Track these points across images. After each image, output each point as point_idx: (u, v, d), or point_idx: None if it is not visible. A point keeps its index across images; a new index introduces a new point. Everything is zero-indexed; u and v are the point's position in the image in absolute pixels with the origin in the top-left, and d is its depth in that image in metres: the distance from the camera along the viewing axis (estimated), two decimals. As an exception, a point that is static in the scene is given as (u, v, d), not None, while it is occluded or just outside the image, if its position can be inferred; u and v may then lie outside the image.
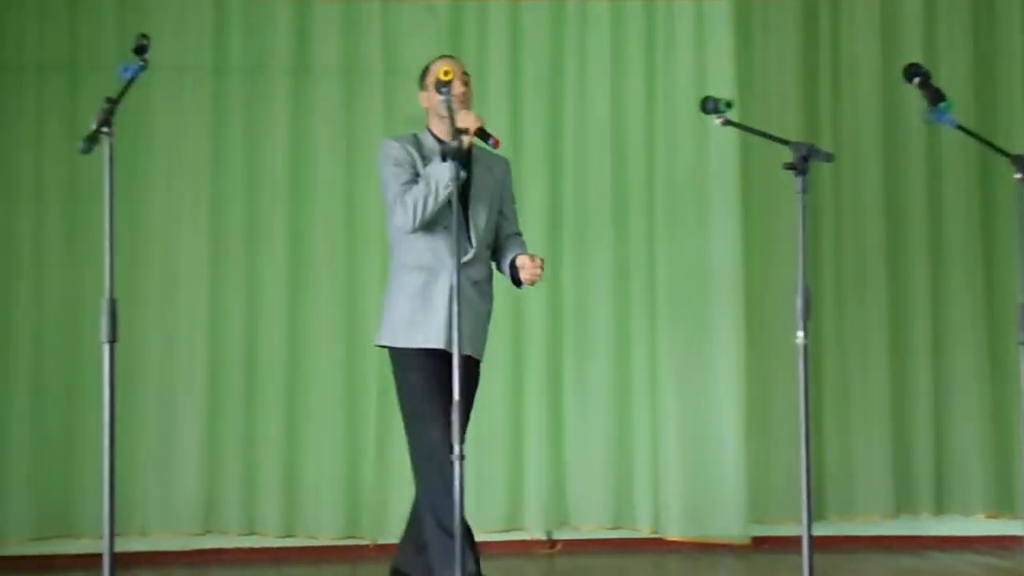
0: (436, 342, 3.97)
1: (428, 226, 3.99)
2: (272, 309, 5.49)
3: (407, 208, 3.93)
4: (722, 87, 5.46)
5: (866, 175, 5.82)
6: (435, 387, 3.93)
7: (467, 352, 3.98)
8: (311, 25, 5.60)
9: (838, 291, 5.80)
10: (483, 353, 4.16)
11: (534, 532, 5.59)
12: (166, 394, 5.42)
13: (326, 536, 5.44)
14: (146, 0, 5.48)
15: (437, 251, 4.03)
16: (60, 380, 5.34)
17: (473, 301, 4.06)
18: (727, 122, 3.91)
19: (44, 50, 5.45)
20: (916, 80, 3.85)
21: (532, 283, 4.09)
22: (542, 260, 4.04)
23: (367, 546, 5.46)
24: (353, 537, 5.47)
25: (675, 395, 5.60)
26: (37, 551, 5.31)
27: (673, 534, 5.59)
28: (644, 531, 5.63)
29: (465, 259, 4.01)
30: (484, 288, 4.15)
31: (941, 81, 3.95)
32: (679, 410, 5.60)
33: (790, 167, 3.58)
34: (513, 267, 4.11)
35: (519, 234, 4.28)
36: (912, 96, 4.27)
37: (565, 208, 5.69)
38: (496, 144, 3.95)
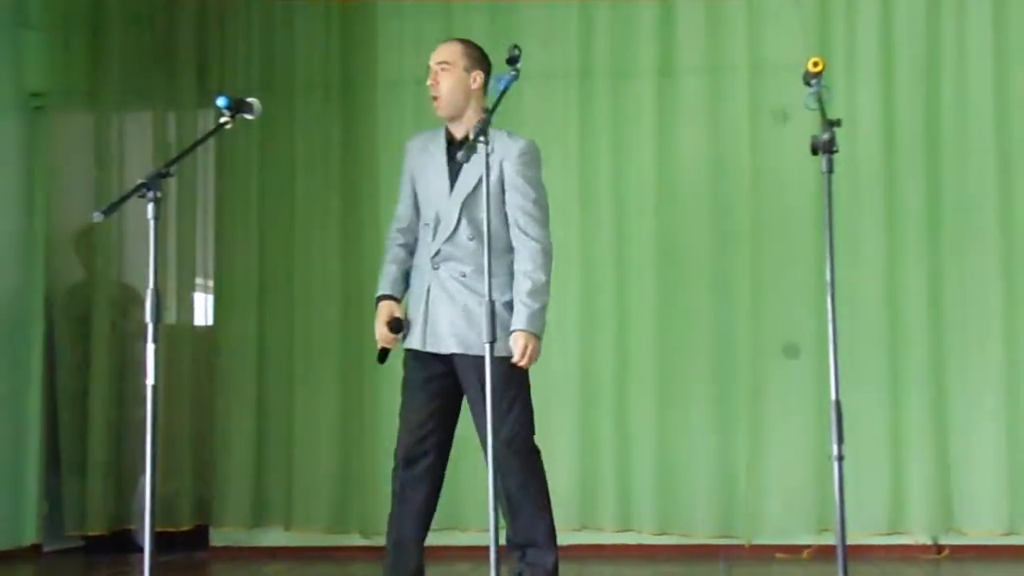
0: (412, 342, 3.96)
1: (420, 223, 4.01)
2: (641, 306, 5.55)
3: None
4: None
5: None
6: (411, 389, 3.97)
7: (454, 349, 3.90)
8: (674, 24, 5.61)
9: None
10: (499, 348, 3.66)
11: (919, 537, 5.36)
12: (541, 391, 5.36)
13: (700, 535, 5.44)
14: (516, 11, 5.66)
15: (424, 247, 3.99)
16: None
17: (457, 295, 3.90)
18: None
19: (422, 64, 5.70)
20: None
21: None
22: (521, 349, 3.81)
23: (742, 546, 5.42)
24: (727, 536, 5.46)
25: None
26: (427, 542, 5.58)
27: (1073, 541, 5.22)
28: (1041, 538, 5.29)
29: (443, 251, 3.91)
30: (473, 281, 3.87)
31: None
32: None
33: None
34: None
35: (525, 238, 3.91)
36: None
37: (944, 199, 5.41)
38: None
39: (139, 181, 3.25)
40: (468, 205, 3.91)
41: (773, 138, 5.40)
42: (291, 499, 5.67)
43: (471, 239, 3.91)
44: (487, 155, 3.50)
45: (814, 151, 3.50)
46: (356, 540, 5.63)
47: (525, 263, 3.89)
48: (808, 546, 5.31)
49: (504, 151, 3.91)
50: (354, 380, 5.67)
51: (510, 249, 3.92)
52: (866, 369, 5.23)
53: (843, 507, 3.34)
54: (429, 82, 3.99)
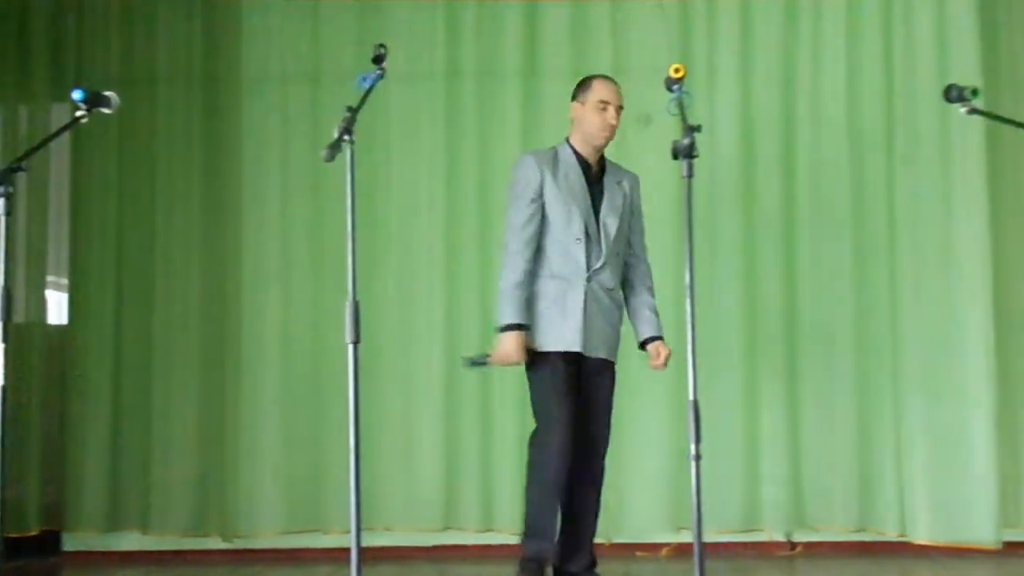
0: (573, 345, 4.19)
1: (562, 235, 4.23)
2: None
3: (505, 268, 4.23)
4: (966, 74, 5.23)
5: None
6: (564, 389, 4.18)
7: (603, 355, 4.28)
8: (540, 29, 5.65)
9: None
10: (616, 356, 4.35)
11: (773, 534, 5.49)
12: (406, 393, 5.57)
13: (563, 534, 5.47)
14: (383, 11, 5.64)
15: (572, 261, 4.23)
16: (307, 380, 5.55)
17: (606, 307, 4.28)
18: (973, 110, 3.76)
19: (287, 61, 5.70)
20: None
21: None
22: (668, 355, 4.30)
23: (602, 544, 5.47)
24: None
25: (920, 394, 5.41)
26: (287, 544, 5.54)
27: (921, 538, 5.39)
28: (890, 535, 5.45)
29: (596, 266, 4.24)
30: (615, 295, 4.35)
31: None
32: (924, 409, 5.41)
33: (1042, 155, 3.42)
34: (647, 347, 4.37)
35: (644, 258, 4.49)
36: None
37: (800, 202, 5.57)
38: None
39: (-13, 177, 3.15)
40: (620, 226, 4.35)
41: (635, 142, 5.46)
42: (148, 502, 5.55)
43: (618, 255, 4.35)
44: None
45: (675, 155, 3.55)
46: (215, 543, 5.54)
47: (649, 279, 4.46)
48: (667, 544, 5.41)
49: (632, 180, 4.44)
50: (215, 380, 5.57)
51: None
52: (723, 369, 5.33)
53: (700, 506, 3.41)
54: (614, 120, 4.32)
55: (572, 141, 4.40)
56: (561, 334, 4.21)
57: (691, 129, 3.56)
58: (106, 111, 3.57)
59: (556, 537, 4.31)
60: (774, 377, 5.49)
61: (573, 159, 4.35)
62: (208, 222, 5.65)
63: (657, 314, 4.40)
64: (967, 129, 5.33)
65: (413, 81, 5.60)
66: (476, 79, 5.67)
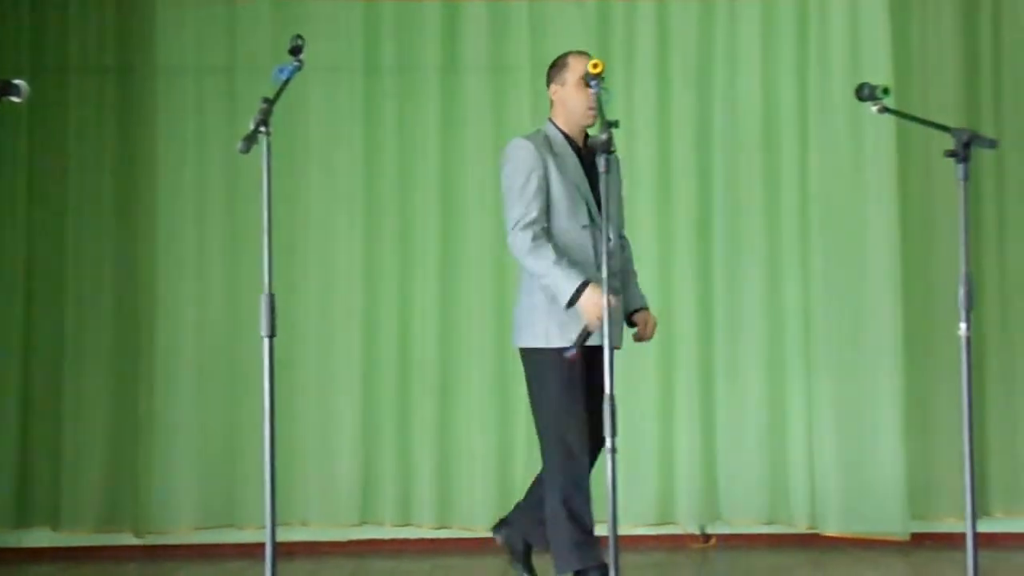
0: (594, 339, 3.96)
1: (568, 224, 4.09)
2: (425, 304, 5.56)
3: (532, 259, 4.02)
4: (878, 73, 5.33)
5: (1031, 161, 5.63)
6: (579, 385, 4.05)
7: (616, 345, 4.06)
8: (460, 25, 5.65)
9: (1001, 280, 5.61)
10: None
11: (687, 526, 5.55)
12: (323, 387, 5.54)
13: (480, 527, 5.48)
14: (300, 3, 5.60)
15: (581, 249, 4.09)
16: (222, 373, 5.50)
17: (617, 292, 4.07)
18: (884, 109, 3.83)
19: (203, 53, 5.63)
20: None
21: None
22: (655, 324, 4.30)
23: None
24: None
25: (831, 387, 5.50)
26: (201, 540, 5.49)
27: (831, 530, 5.48)
28: (801, 527, 5.54)
29: (605, 252, 3.94)
30: (620, 278, 4.19)
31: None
32: (835, 403, 5.49)
33: (951, 154, 3.50)
34: (634, 319, 4.30)
35: (625, 237, 4.42)
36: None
37: (716, 201, 5.62)
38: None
39: None
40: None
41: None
42: (59, 498, 5.45)
43: (619, 238, 4.24)
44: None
45: (593, 151, 3.58)
46: (128, 539, 5.47)
47: (631, 257, 4.42)
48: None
49: (617, 164, 4.28)
50: (128, 375, 5.50)
51: None
52: (637, 363, 5.37)
53: (615, 499, 3.44)
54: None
55: (557, 123, 4.25)
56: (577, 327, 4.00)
57: (609, 125, 3.59)
58: (15, 100, 3.50)
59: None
60: (688, 370, 5.54)
61: (564, 142, 4.20)
62: (121, 214, 5.56)
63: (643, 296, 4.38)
64: (879, 127, 5.43)
65: (331, 74, 5.56)
66: (395, 73, 5.64)
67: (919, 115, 4.04)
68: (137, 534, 5.46)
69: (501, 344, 5.50)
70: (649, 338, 4.33)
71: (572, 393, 4.06)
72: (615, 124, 3.65)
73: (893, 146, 5.51)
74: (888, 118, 4.47)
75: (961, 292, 3.44)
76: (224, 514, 5.48)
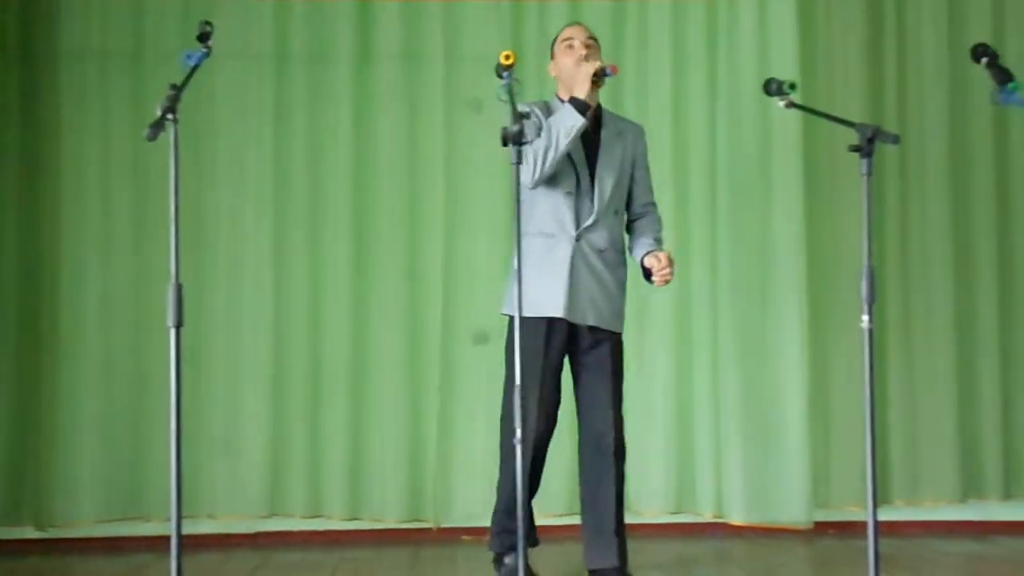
0: (554, 310, 3.98)
1: (550, 189, 4.04)
2: (336, 294, 5.52)
3: (527, 162, 3.94)
4: (785, 69, 5.41)
5: (932, 157, 5.74)
6: (543, 356, 4.01)
7: (591, 323, 4.06)
8: (372, 13, 5.61)
9: (903, 274, 5.73)
10: (620, 325, 4.21)
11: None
12: (232, 379, 5.48)
13: (390, 519, 5.47)
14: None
15: (559, 217, 4.05)
16: (128, 365, 5.42)
17: (596, 269, 4.07)
18: (791, 104, 3.89)
19: (109, 37, 5.52)
20: (984, 60, 3.78)
21: (664, 284, 4.15)
22: (668, 257, 4.09)
23: (430, 529, 5.50)
24: (417, 520, 5.50)
25: (737, 379, 5.57)
26: (105, 533, 5.40)
27: (736, 519, 5.56)
28: (707, 516, 5.61)
29: (587, 223, 4.04)
30: (610, 256, 4.15)
31: (1009, 61, 3.88)
32: (741, 394, 5.57)
33: (855, 149, 3.56)
34: (644, 264, 4.18)
35: (653, 204, 4.34)
36: (979, 77, 4.19)
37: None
38: (614, 70, 4.06)
39: None
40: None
41: (467, 128, 5.50)
42: (-44, 491, 5.35)
43: (615, 214, 4.14)
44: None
45: (504, 142, 3.59)
46: (29, 533, 5.37)
47: (657, 227, 4.32)
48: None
49: (635, 131, 4.28)
50: (29, 364, 5.38)
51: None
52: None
53: (525, 490, 3.46)
54: (584, 51, 4.12)
55: (561, 96, 4.24)
56: (541, 297, 4.00)
57: (520, 116, 3.61)
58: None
59: (529, 533, 4.13)
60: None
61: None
62: (24, 203, 5.43)
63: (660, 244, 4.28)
64: (786, 122, 5.50)
65: (241, 61, 5.49)
66: (306, 62, 5.59)
67: (825, 111, 4.09)
68: (38, 527, 5.36)
69: (412, 334, 5.51)
70: (666, 273, 4.08)
71: (533, 365, 3.97)
72: (527, 115, 3.68)
73: (799, 141, 5.60)
74: (795, 113, 4.53)
75: (863, 285, 3.50)
76: (129, 506, 5.40)
